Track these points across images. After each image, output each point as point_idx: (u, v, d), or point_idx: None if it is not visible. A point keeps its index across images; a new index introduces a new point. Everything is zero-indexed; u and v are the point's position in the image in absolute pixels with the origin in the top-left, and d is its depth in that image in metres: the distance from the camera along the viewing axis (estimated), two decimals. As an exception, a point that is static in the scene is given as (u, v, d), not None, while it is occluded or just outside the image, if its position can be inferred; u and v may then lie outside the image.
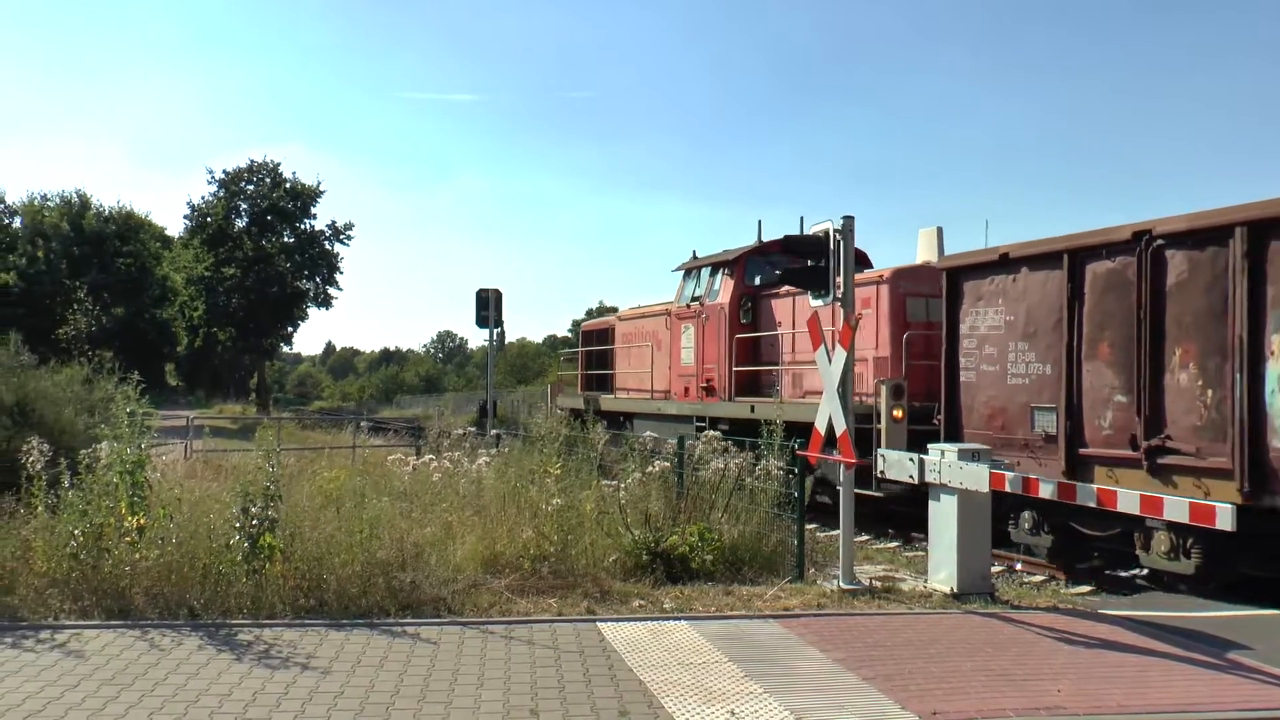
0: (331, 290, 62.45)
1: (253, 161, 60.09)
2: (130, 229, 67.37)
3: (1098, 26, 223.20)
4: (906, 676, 6.36)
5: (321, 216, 68.07)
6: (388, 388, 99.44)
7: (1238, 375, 8.96)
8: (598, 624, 7.56)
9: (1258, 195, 8.46)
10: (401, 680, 6.11)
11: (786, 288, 15.97)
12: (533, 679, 6.18)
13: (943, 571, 9.02)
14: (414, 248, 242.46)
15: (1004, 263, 11.59)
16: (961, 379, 12.19)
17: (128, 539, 8.08)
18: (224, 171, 59.64)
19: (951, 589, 8.84)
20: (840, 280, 9.08)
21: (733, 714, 5.59)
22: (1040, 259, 11.17)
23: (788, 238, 9.34)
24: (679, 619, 7.77)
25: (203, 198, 59.90)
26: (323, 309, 63.26)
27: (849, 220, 9.12)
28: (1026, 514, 11.13)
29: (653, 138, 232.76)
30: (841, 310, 9.24)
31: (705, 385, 17.79)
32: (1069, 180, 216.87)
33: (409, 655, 6.65)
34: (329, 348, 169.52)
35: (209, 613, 7.55)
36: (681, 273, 19.43)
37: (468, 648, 6.85)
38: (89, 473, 8.48)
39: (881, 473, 9.77)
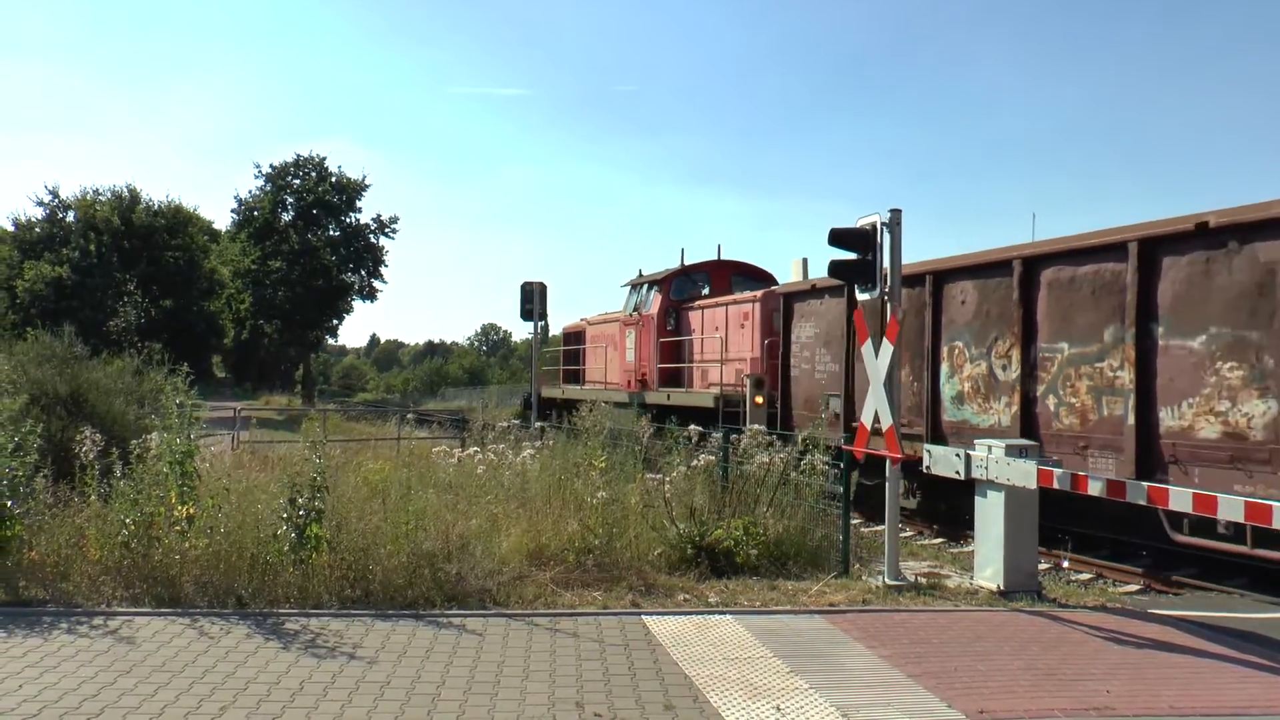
0: (376, 283, 63.07)
1: (299, 156, 60.91)
2: (179, 223, 68.18)
3: (1152, 12, 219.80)
4: (953, 674, 6.30)
5: (367, 210, 68.59)
6: (432, 380, 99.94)
7: (926, 373, 13.16)
8: (642, 617, 7.56)
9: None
10: (447, 671, 6.15)
11: (700, 302, 21.07)
12: (578, 671, 6.19)
13: (989, 568, 8.92)
14: (459, 241, 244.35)
15: (814, 291, 15.90)
16: (791, 374, 16.37)
17: (177, 528, 8.19)
18: (271, 166, 60.45)
19: (998, 586, 8.74)
20: (888, 273, 9.00)
21: (779, 710, 5.56)
22: (833, 289, 15.13)
23: (833, 231, 9.25)
24: (724, 613, 7.75)
25: (250, 192, 60.84)
26: (367, 302, 63.95)
27: (896, 213, 9.03)
28: None
29: (701, 131, 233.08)
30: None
31: (641, 379, 22.19)
32: (1120, 170, 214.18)
33: (454, 646, 6.68)
34: (373, 340, 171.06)
35: (256, 602, 7.64)
36: (629, 287, 23.75)
37: (513, 639, 6.87)
38: (140, 463, 8.61)
39: (927, 468, 9.68)
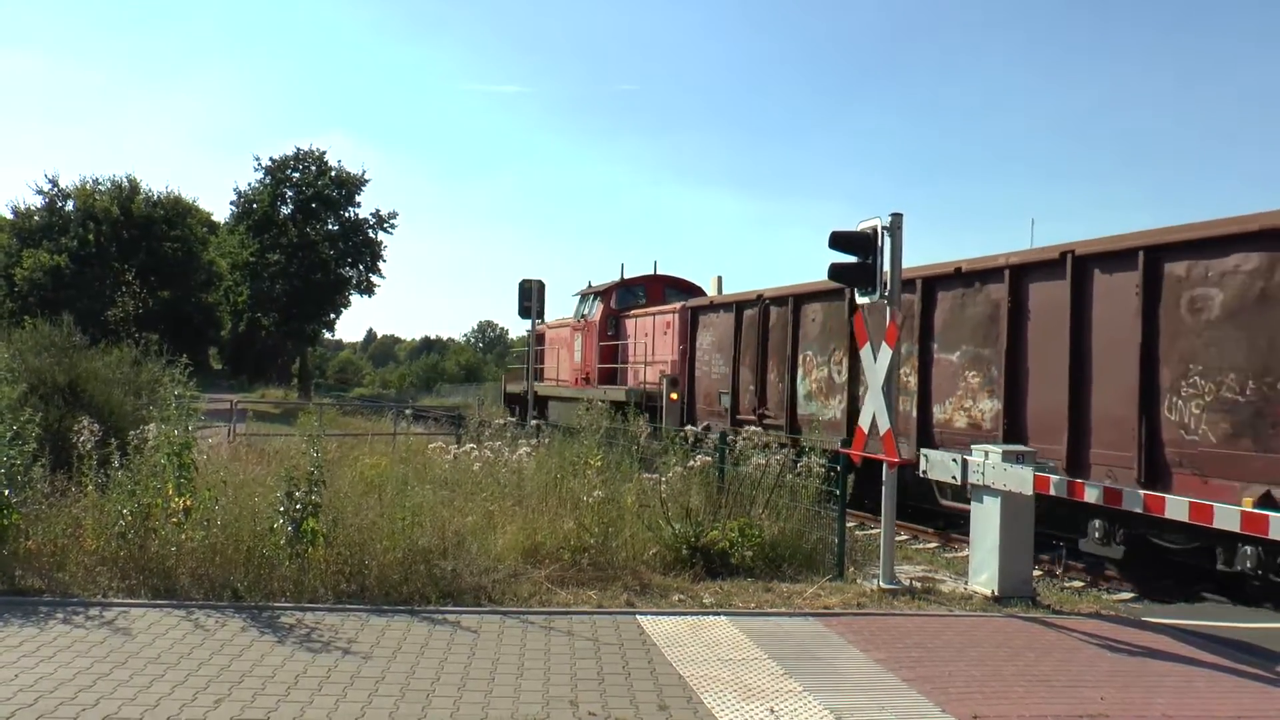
0: (374, 278, 62.88)
1: (299, 150, 60.63)
2: (178, 214, 67.92)
3: (1163, 17, 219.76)
4: (947, 679, 6.31)
5: (366, 205, 68.26)
6: (428, 376, 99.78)
7: (788, 376, 16.06)
8: (637, 617, 7.57)
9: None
10: (442, 667, 6.16)
11: (635, 311, 23.99)
12: (572, 670, 6.20)
13: (984, 574, 8.94)
14: (457, 237, 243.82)
15: (713, 306, 19.27)
16: (696, 374, 19.50)
17: (174, 520, 8.20)
18: (270, 159, 60.22)
19: (992, 591, 8.76)
20: (888, 277, 9.00)
21: (772, 711, 5.58)
22: (725, 306, 18.62)
23: (834, 233, 9.24)
24: (718, 614, 7.76)
25: (249, 184, 60.59)
26: (365, 297, 63.70)
27: (897, 217, 9.03)
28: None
29: (702, 131, 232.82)
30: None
31: (585, 377, 25.08)
32: (1124, 175, 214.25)
33: (449, 643, 6.69)
34: (370, 335, 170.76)
35: (252, 595, 7.65)
36: (578, 297, 26.71)
37: (508, 637, 6.88)
38: (137, 453, 8.61)
39: (923, 473, 9.69)
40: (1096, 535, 10.42)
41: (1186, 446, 9.49)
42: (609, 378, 23.89)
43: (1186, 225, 9.77)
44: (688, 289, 24.36)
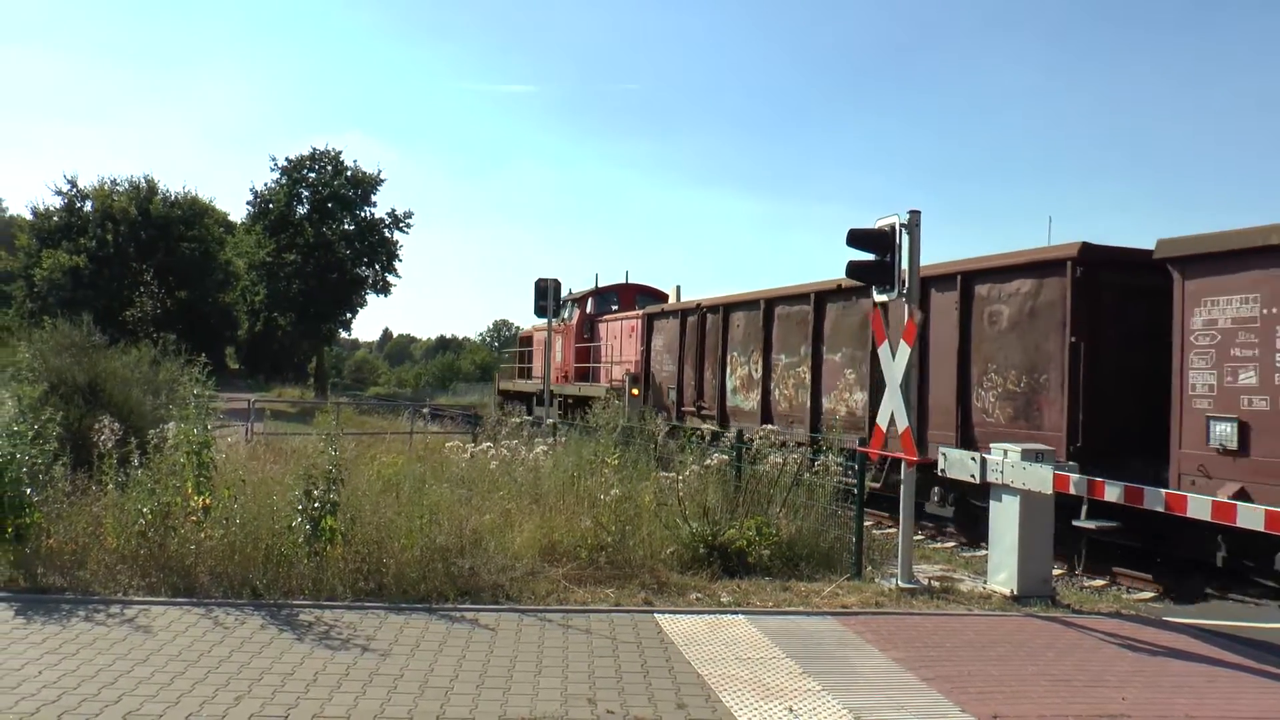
0: (390, 277, 63.04)
1: (315, 149, 60.88)
2: (195, 214, 68.26)
3: (1169, 21, 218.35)
4: (966, 678, 6.28)
5: (381, 205, 68.42)
6: (444, 375, 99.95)
7: (720, 373, 18.70)
8: (655, 615, 7.56)
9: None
10: (460, 664, 6.16)
11: (607, 316, 26.85)
12: (590, 668, 6.19)
13: (1003, 573, 8.89)
14: (472, 236, 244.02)
15: (664, 313, 21.99)
16: (651, 372, 22.23)
17: (193, 518, 8.24)
18: (286, 159, 60.44)
19: (1011, 591, 8.71)
20: (906, 275, 8.96)
21: (791, 710, 5.56)
22: (673, 313, 21.26)
23: (852, 231, 9.20)
24: (736, 613, 7.74)
25: (265, 184, 60.83)
26: (381, 296, 63.89)
27: (915, 214, 8.99)
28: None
29: (708, 131, 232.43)
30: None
31: (564, 375, 27.81)
32: (1131, 176, 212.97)
33: (467, 640, 6.70)
34: (386, 334, 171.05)
35: (271, 593, 7.67)
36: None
37: (525, 635, 6.89)
38: (157, 452, 8.64)
39: (942, 471, 9.65)
40: (935, 499, 13.02)
41: (987, 427, 12.17)
42: (583, 375, 26.91)
43: (987, 256, 12.53)
44: (656, 295, 27.19)
